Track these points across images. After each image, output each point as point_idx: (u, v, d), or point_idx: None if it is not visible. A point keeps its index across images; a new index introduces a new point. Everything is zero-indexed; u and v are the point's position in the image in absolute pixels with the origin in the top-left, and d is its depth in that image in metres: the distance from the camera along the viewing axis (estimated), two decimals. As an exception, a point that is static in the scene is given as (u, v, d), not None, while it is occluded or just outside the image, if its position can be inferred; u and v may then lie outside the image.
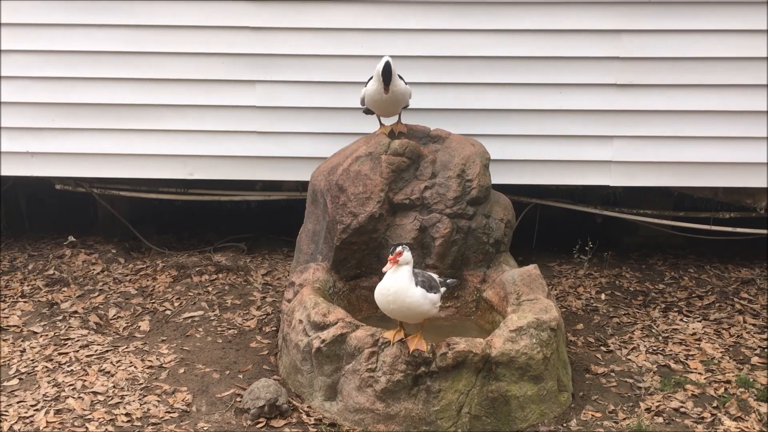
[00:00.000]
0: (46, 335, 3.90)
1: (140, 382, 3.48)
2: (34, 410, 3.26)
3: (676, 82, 4.42)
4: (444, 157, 3.92)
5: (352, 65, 4.41)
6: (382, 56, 4.26)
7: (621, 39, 4.37)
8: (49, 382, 3.46)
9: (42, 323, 4.02)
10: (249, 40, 4.44)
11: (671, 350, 3.85)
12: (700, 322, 4.15)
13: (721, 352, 3.84)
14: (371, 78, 3.85)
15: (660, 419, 3.28)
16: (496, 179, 4.08)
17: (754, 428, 3.22)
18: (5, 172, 4.66)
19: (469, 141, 4.01)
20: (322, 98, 4.51)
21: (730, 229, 4.79)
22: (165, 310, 4.18)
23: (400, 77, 3.86)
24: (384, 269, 3.03)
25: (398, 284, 3.00)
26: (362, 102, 3.97)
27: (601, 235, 4.93)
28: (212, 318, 4.10)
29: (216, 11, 4.39)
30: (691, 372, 3.65)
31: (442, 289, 3.18)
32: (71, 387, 3.43)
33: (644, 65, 4.41)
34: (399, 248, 3.01)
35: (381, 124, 4.07)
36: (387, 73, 3.68)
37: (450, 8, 4.36)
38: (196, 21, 4.41)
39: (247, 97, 4.53)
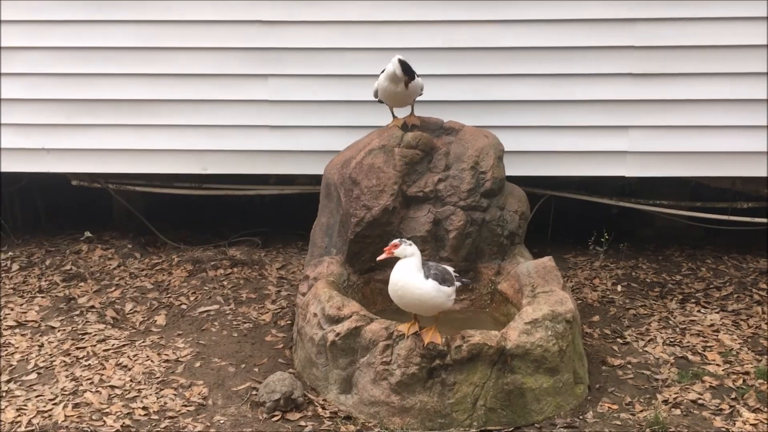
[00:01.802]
0: (64, 330, 3.93)
1: (157, 375, 3.51)
2: (53, 404, 3.29)
3: (691, 70, 4.36)
4: (457, 149, 3.90)
5: (365, 58, 4.40)
6: (394, 48, 4.25)
7: (636, 28, 4.32)
8: (66, 377, 3.50)
9: (59, 318, 4.05)
10: (261, 34, 4.44)
11: (689, 342, 3.82)
12: (717, 313, 4.11)
13: (739, 343, 3.80)
14: (384, 70, 3.83)
15: (677, 411, 3.26)
16: (510, 171, 4.06)
17: (773, 420, 3.19)
18: (21, 169, 4.70)
19: (483, 133, 3.99)
20: (334, 92, 4.50)
21: (748, 219, 4.73)
22: (181, 304, 4.21)
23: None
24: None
25: (405, 278, 3.00)
26: (375, 95, 3.96)
27: (617, 227, 4.89)
28: (227, 312, 4.11)
29: (227, 5, 4.39)
30: (709, 363, 3.62)
31: (457, 284, 3.17)
32: (89, 381, 3.46)
33: (660, 54, 4.36)
34: (395, 241, 3.03)
35: (394, 116, 4.06)
36: (407, 70, 3.68)
37: (463, 0, 4.33)
38: (208, 16, 4.41)
39: (260, 91, 4.53)
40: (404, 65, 3.68)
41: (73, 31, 4.46)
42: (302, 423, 3.17)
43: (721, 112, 4.42)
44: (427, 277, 3.03)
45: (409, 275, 3.01)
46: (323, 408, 3.27)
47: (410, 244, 3.05)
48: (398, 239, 3.07)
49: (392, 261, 3.08)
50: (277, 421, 3.18)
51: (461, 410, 3.11)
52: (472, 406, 3.12)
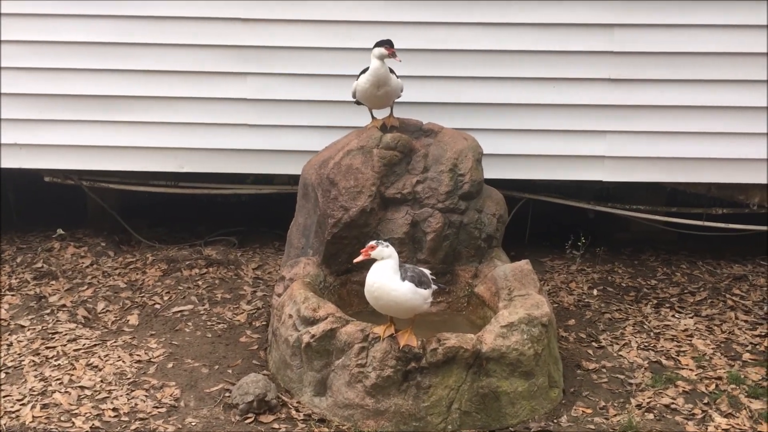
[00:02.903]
0: (34, 329, 3.86)
1: (128, 376, 3.45)
2: (21, 405, 3.22)
3: (669, 77, 4.40)
4: (436, 151, 3.89)
5: (345, 58, 4.37)
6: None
7: (614, 33, 4.35)
8: (35, 377, 3.43)
9: (29, 317, 3.98)
10: (240, 31, 4.39)
11: (663, 346, 3.84)
12: (691, 318, 4.14)
13: (712, 348, 3.83)
14: (363, 72, 3.81)
15: (651, 415, 3.27)
16: (488, 174, 4.06)
17: (744, 425, 3.21)
18: (-7, 164, 4.62)
19: (462, 135, 3.98)
20: (314, 91, 4.47)
21: (723, 225, 4.78)
22: (154, 304, 4.15)
23: (392, 71, 3.83)
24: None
25: (381, 280, 2.98)
26: (353, 95, 3.94)
27: (594, 231, 4.92)
28: (202, 312, 4.06)
29: (207, 2, 4.34)
30: (683, 368, 3.64)
31: (433, 287, 3.16)
32: (58, 381, 3.40)
33: (637, 60, 4.38)
34: (372, 242, 3.01)
35: (373, 117, 4.04)
36: (390, 42, 3.68)
37: (443, 1, 4.32)
38: (187, 12, 4.36)
39: (239, 89, 4.48)
40: (386, 42, 3.67)
41: (48, 25, 4.38)
42: (275, 425, 3.13)
43: (697, 118, 4.46)
44: (403, 279, 3.01)
45: (386, 277, 2.99)
46: (297, 410, 3.24)
47: (387, 246, 3.03)
48: (375, 241, 3.05)
49: (370, 262, 3.06)
50: (250, 423, 3.14)
51: (436, 413, 3.10)
52: (447, 409, 3.11)
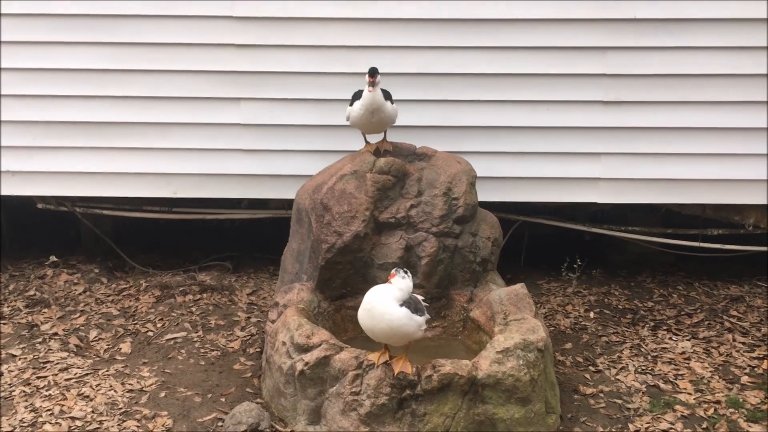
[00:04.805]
0: (25, 358, 3.81)
1: (120, 406, 3.40)
2: (10, 437, 3.18)
3: (662, 99, 4.41)
4: (430, 175, 3.88)
5: (339, 83, 4.38)
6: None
7: (607, 56, 4.36)
8: (26, 407, 3.38)
9: (21, 346, 3.93)
10: (234, 57, 4.40)
11: (660, 370, 3.80)
12: (689, 340, 4.11)
13: (710, 371, 3.79)
14: (355, 94, 3.81)
15: (649, 441, 3.23)
16: (483, 197, 4.05)
17: (744, 450, 3.18)
18: (-15, 192, 4.60)
19: (456, 158, 3.98)
20: (308, 116, 4.48)
21: (720, 246, 4.77)
22: (147, 331, 4.11)
23: (388, 96, 3.81)
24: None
25: (378, 303, 2.95)
26: (347, 120, 3.93)
27: (590, 253, 4.90)
28: (195, 339, 4.02)
29: (200, 29, 4.35)
30: (681, 392, 3.61)
31: (426, 315, 3.13)
32: (49, 412, 3.35)
33: (631, 82, 4.40)
34: (393, 270, 3.00)
35: (366, 141, 4.04)
36: (373, 70, 3.65)
37: (437, 26, 4.34)
38: (180, 39, 4.36)
39: (232, 114, 4.48)
40: (370, 69, 3.64)
41: (41, 52, 4.38)
42: (269, 455, 3.09)
43: (691, 139, 4.46)
44: (400, 304, 2.98)
45: (382, 301, 2.96)
46: (291, 439, 3.19)
47: (409, 278, 3.02)
48: (396, 269, 3.02)
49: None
50: (243, 453, 3.10)
51: (432, 441, 3.06)
52: (442, 437, 3.06)
